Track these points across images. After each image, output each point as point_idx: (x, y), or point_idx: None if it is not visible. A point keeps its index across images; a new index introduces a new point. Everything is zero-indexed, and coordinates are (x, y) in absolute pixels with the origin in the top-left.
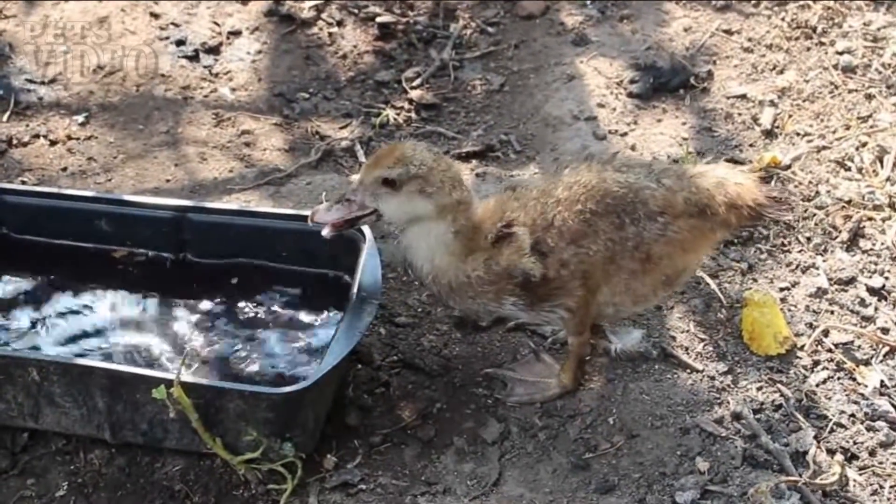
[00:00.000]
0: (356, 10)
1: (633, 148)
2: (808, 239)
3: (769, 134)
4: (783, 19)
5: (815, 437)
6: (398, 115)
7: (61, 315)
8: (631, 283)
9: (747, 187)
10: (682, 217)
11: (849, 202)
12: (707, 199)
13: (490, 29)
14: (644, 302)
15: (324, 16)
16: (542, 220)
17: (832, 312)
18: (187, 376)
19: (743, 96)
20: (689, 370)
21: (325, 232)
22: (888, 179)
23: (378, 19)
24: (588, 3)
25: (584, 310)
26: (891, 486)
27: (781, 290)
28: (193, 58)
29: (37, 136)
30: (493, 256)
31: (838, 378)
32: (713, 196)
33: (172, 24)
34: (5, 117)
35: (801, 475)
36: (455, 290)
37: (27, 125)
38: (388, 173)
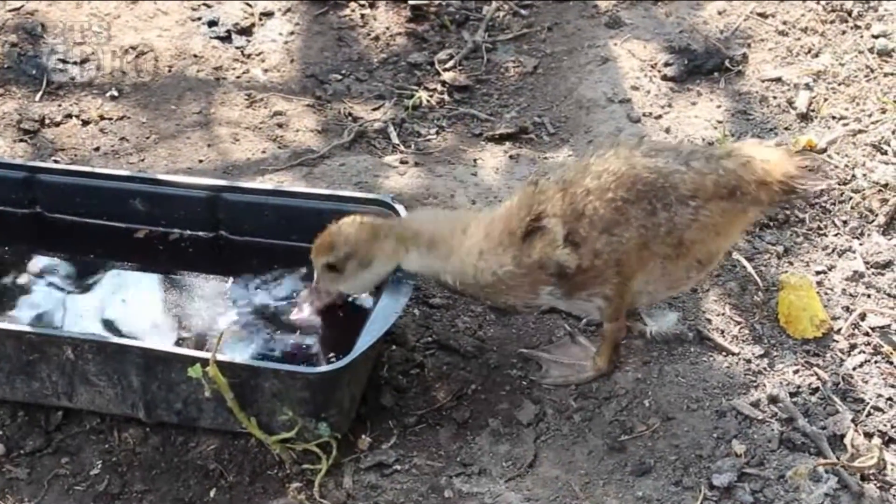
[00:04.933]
0: None
1: (667, 131)
2: (845, 222)
3: (804, 117)
4: (818, 2)
5: (853, 421)
6: (431, 96)
7: (95, 294)
8: (665, 268)
9: (775, 162)
10: (713, 200)
11: (885, 186)
12: (736, 181)
13: (523, 11)
14: (678, 286)
15: None
16: (572, 211)
17: (869, 296)
18: (223, 355)
19: (778, 79)
20: (724, 353)
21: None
22: None
23: (410, 1)
24: None
25: (619, 297)
26: None
27: (818, 273)
28: (226, 38)
29: (69, 115)
30: (524, 251)
31: (875, 362)
32: (741, 177)
33: (205, 4)
34: (38, 97)
35: (838, 458)
36: (487, 288)
37: (59, 105)
38: (326, 261)
